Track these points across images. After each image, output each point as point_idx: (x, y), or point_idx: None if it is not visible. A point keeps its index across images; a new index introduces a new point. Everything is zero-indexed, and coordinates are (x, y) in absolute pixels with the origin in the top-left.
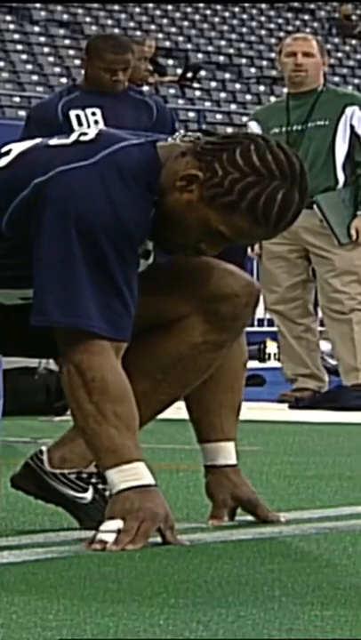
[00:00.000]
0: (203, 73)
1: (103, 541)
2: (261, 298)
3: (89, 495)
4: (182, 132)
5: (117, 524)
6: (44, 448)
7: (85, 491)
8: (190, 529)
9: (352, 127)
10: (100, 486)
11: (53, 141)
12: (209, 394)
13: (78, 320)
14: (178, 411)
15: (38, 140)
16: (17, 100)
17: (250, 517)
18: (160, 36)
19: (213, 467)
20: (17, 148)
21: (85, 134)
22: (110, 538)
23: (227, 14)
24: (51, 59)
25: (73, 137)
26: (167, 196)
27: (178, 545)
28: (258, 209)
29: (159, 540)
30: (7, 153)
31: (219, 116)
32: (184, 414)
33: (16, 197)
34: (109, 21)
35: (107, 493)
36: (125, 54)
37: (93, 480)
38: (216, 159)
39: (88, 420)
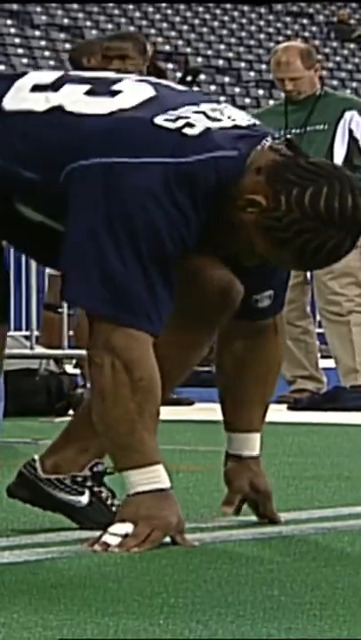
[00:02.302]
0: (202, 77)
1: (107, 544)
2: None
3: (85, 498)
4: (270, 138)
5: (127, 528)
6: (36, 456)
7: (82, 494)
8: (190, 529)
9: (350, 131)
10: (95, 489)
11: (159, 119)
12: (242, 386)
13: (132, 317)
14: (177, 412)
15: (147, 94)
16: None
17: (250, 517)
18: (160, 39)
19: (238, 456)
20: (128, 93)
21: (192, 126)
22: (115, 541)
23: (226, 18)
24: (51, 62)
25: (179, 123)
26: (224, 205)
27: (187, 546)
28: (307, 251)
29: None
30: (114, 93)
31: None
32: (183, 415)
33: (103, 155)
34: (109, 25)
35: (103, 495)
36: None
37: (88, 483)
38: (285, 191)
39: (125, 418)
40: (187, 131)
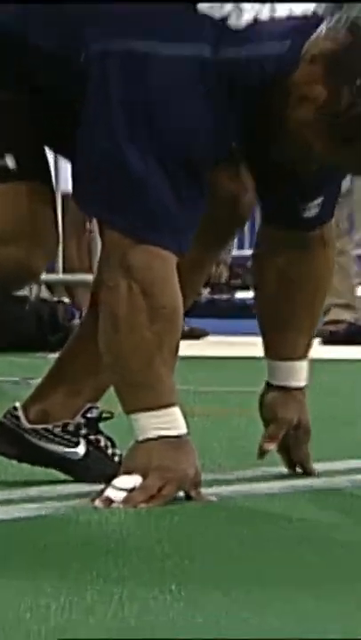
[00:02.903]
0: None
1: (110, 499)
2: None
3: (81, 449)
4: (325, 24)
5: (134, 481)
6: (17, 404)
7: (77, 444)
8: (206, 482)
9: None
10: (91, 437)
11: (204, 5)
12: (287, 306)
13: (154, 232)
14: (189, 347)
15: None
16: None
17: (276, 468)
18: None
19: (284, 387)
20: None
21: (240, 15)
22: (120, 496)
23: None
24: None
25: (225, 10)
26: (273, 105)
27: (203, 501)
28: None
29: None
30: None
31: None
32: (196, 351)
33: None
34: None
35: (102, 444)
36: None
37: (83, 431)
38: (348, 84)
39: (140, 349)
40: (233, 20)
